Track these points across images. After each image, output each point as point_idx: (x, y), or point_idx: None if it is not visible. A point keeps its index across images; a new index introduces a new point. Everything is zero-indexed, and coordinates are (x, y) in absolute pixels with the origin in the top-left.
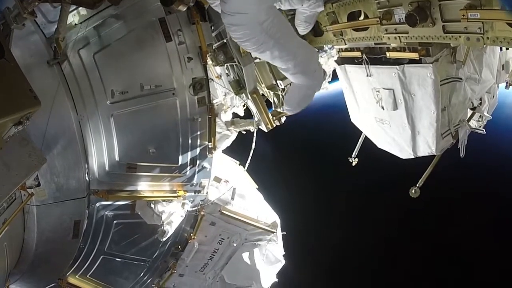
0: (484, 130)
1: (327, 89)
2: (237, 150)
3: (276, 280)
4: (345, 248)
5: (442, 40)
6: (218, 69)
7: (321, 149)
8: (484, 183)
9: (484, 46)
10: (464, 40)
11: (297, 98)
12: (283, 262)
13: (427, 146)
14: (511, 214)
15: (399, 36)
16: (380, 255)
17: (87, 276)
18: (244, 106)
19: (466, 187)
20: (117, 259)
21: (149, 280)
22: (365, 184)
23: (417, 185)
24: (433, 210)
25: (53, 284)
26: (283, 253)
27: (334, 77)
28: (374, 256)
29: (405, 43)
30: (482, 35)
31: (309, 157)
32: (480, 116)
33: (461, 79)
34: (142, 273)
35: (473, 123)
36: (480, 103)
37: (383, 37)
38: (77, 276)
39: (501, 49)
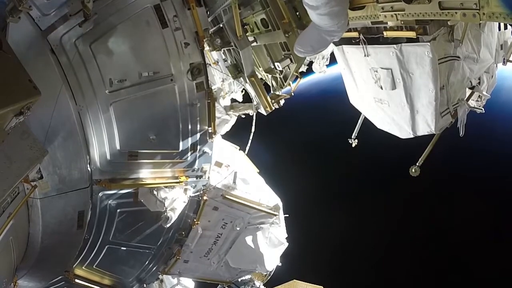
0: (483, 109)
1: (325, 72)
2: (237, 135)
3: (280, 264)
4: (348, 229)
5: (438, 16)
6: (215, 55)
7: (321, 133)
8: (483, 170)
9: (481, 22)
10: (460, 16)
11: (313, 39)
12: (286, 244)
13: (426, 125)
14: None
15: (395, 14)
16: (383, 234)
17: (94, 267)
18: (242, 91)
19: (465, 174)
20: (123, 248)
21: (154, 268)
22: (367, 167)
23: (417, 164)
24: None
25: (60, 277)
26: (286, 235)
27: (332, 60)
28: (377, 236)
29: (402, 21)
30: (478, 10)
31: (308, 141)
32: (479, 96)
33: (459, 57)
34: (148, 261)
35: (472, 103)
36: (479, 83)
37: (380, 15)
38: (83, 267)
39: (499, 28)
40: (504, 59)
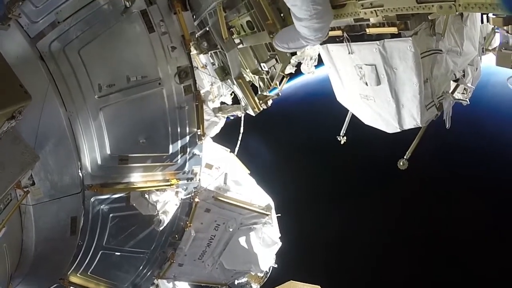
0: (468, 101)
1: (313, 73)
2: (228, 138)
3: (276, 265)
4: (345, 228)
5: (416, 10)
6: (203, 59)
7: (314, 133)
8: (474, 166)
9: (457, 14)
10: (437, 9)
11: (290, 39)
12: (280, 243)
13: (412, 118)
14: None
15: (375, 10)
16: (379, 232)
17: (88, 273)
18: (231, 94)
19: (458, 172)
20: (116, 253)
21: (149, 272)
22: (362, 166)
23: (405, 157)
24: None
25: (55, 285)
26: (279, 235)
27: (321, 61)
28: (373, 234)
29: (383, 18)
30: (454, 2)
31: (301, 142)
32: (464, 89)
33: (441, 51)
34: (142, 266)
35: (458, 96)
36: (464, 75)
37: (360, 12)
38: (78, 274)
39: (482, 21)
40: (482, 48)
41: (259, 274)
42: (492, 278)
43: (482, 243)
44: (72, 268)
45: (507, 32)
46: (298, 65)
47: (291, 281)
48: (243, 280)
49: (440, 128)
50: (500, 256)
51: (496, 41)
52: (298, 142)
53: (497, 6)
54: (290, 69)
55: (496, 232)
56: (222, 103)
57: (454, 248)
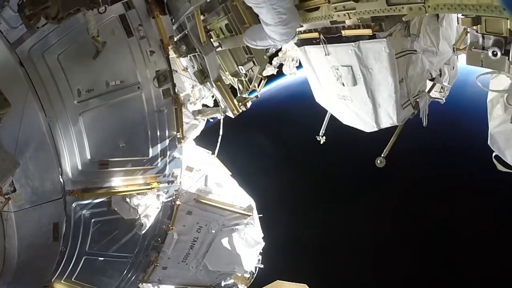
0: (444, 99)
1: (295, 74)
2: (212, 141)
3: (262, 265)
4: (329, 227)
5: (387, 12)
6: (184, 62)
7: (293, 132)
8: (457, 164)
9: (427, 14)
10: (407, 10)
11: (258, 37)
12: (263, 243)
13: (388, 117)
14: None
15: (348, 13)
16: (364, 230)
17: (73, 280)
18: (213, 97)
19: (440, 170)
20: (100, 258)
21: (133, 277)
22: (352, 165)
23: (382, 155)
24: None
25: None
26: (262, 235)
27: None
28: (358, 233)
29: (358, 20)
30: (423, 4)
31: (281, 142)
32: (441, 87)
33: (416, 51)
34: (126, 270)
35: (435, 94)
36: (440, 75)
37: (334, 15)
38: (62, 281)
39: (458, 22)
40: (453, 47)
41: (245, 275)
42: (486, 277)
43: (477, 242)
44: (56, 274)
45: (477, 31)
46: (280, 66)
47: (278, 280)
48: (230, 281)
49: (424, 129)
50: (495, 255)
51: (468, 40)
52: (280, 143)
53: (497, 6)
54: (272, 71)
55: (490, 230)
56: (203, 105)
57: (447, 247)
